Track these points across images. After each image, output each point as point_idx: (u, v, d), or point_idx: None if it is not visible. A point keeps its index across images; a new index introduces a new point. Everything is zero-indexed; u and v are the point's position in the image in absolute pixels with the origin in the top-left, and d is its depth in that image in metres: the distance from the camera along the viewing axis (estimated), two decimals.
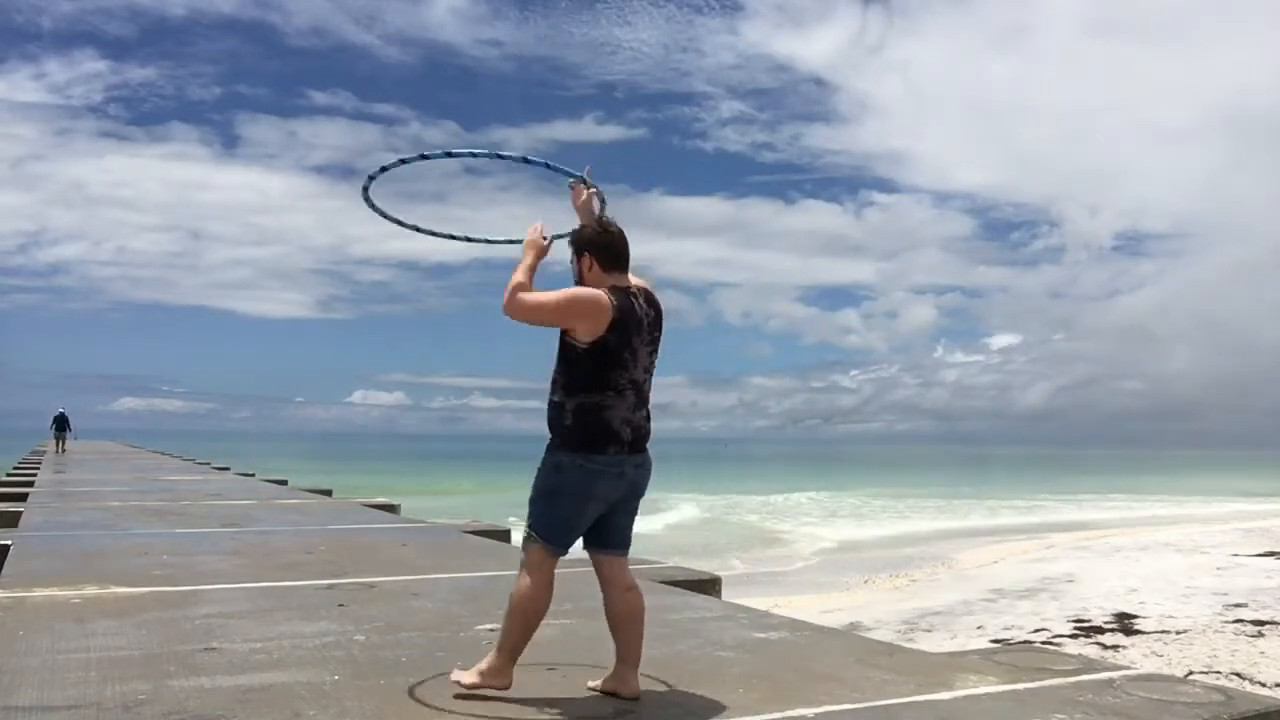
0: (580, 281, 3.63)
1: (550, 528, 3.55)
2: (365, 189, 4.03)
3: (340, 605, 5.43)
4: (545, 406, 3.63)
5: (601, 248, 3.61)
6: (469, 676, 3.61)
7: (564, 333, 3.54)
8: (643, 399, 3.63)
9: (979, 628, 12.01)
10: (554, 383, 3.59)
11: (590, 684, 3.75)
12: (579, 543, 3.65)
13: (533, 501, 3.59)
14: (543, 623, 5.03)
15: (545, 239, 3.69)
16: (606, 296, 3.50)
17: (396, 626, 4.89)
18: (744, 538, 26.44)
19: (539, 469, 3.59)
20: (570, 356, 3.54)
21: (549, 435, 3.59)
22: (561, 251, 3.73)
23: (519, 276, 3.52)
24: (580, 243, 3.65)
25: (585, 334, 3.49)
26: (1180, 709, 3.51)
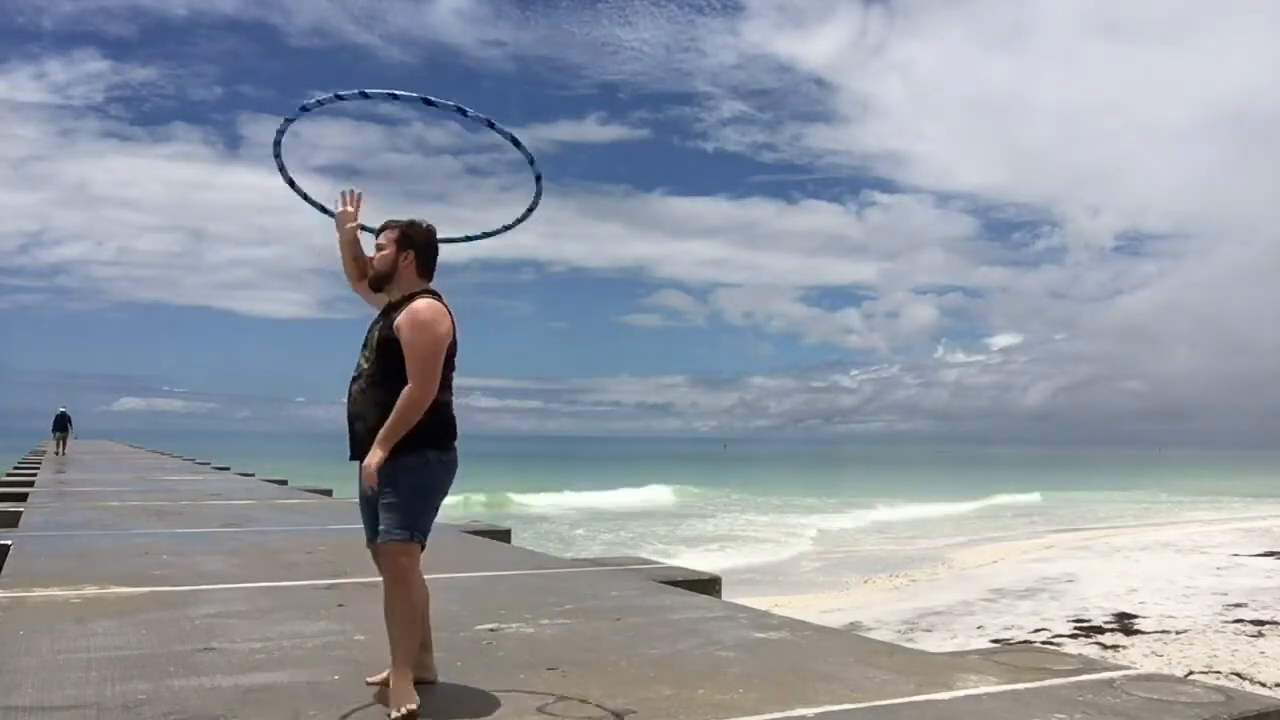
0: (392, 269, 3.68)
1: (425, 526, 3.57)
2: (280, 139, 4.02)
3: (340, 605, 5.43)
4: (373, 410, 3.53)
5: (429, 255, 3.75)
6: (401, 710, 3.39)
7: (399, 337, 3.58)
8: None
9: (979, 628, 12.01)
10: (396, 386, 3.50)
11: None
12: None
13: (408, 504, 3.49)
14: (543, 622, 5.07)
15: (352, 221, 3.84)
16: (441, 303, 3.65)
17: None
18: None
19: (400, 469, 3.48)
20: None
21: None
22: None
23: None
24: (409, 240, 3.70)
25: None
26: (1180, 709, 3.52)
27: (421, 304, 3.60)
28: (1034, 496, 44.42)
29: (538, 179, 4.10)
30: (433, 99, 3.94)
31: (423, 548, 3.58)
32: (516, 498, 37.25)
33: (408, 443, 3.50)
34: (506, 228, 4.23)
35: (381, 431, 3.47)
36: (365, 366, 3.65)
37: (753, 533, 27.12)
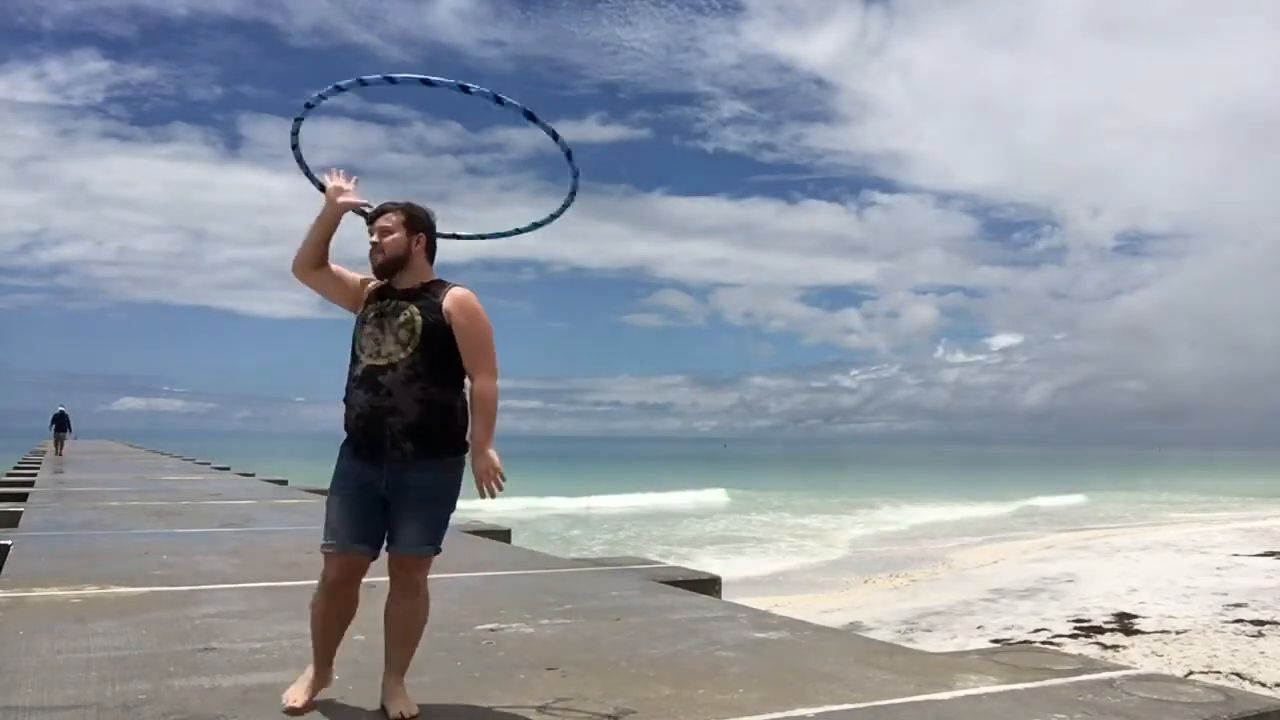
0: (404, 254, 3.44)
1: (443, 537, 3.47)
2: (297, 130, 3.77)
3: None
4: (416, 405, 3.31)
5: (434, 238, 3.56)
6: (400, 713, 3.40)
7: (450, 325, 3.39)
8: None
9: (979, 628, 12.01)
10: (441, 379, 3.36)
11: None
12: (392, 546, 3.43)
13: (443, 517, 3.40)
14: (543, 622, 5.07)
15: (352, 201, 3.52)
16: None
17: None
18: None
19: (442, 481, 3.37)
20: (455, 350, 3.39)
21: (432, 441, 3.33)
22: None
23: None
24: (419, 222, 3.49)
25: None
26: (1180, 709, 3.52)
27: (465, 291, 3.45)
28: (1078, 498, 43.74)
29: (575, 175, 3.86)
30: (432, 79, 3.71)
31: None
32: (521, 499, 37.19)
33: (454, 449, 3.37)
34: (537, 225, 4.00)
35: (481, 434, 3.32)
36: (402, 356, 3.31)
37: (775, 536, 26.81)
